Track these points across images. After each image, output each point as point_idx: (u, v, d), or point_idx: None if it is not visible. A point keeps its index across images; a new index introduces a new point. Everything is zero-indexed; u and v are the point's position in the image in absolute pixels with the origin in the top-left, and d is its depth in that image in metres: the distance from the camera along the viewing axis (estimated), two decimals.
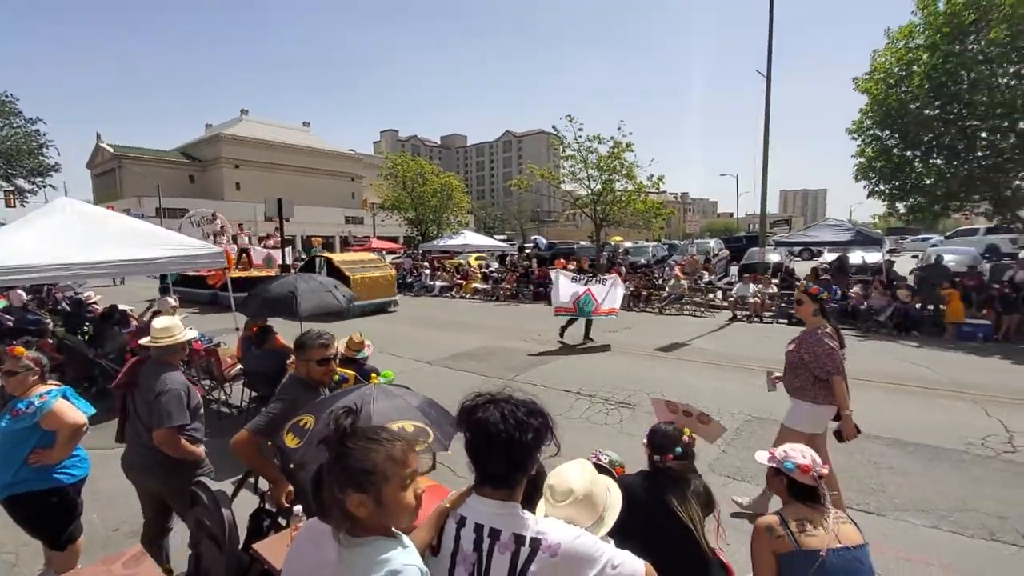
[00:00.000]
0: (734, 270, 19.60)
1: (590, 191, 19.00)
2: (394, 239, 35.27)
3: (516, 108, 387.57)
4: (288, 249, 17.52)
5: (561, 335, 10.26)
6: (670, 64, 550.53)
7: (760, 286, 13.34)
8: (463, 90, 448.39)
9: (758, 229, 18.82)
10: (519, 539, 1.29)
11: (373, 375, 4.03)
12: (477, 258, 23.33)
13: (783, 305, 13.08)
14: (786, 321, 12.42)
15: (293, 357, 3.50)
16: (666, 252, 26.06)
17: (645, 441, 2.33)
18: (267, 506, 2.78)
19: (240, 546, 2.50)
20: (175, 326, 3.04)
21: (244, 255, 17.62)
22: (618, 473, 2.41)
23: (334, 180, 62.06)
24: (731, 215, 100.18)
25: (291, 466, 2.14)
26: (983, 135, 12.22)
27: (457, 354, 9.43)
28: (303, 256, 22.37)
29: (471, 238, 21.35)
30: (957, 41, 11.69)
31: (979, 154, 12.32)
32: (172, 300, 8.71)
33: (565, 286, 10.06)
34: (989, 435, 5.21)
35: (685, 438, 2.32)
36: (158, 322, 3.05)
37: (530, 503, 1.58)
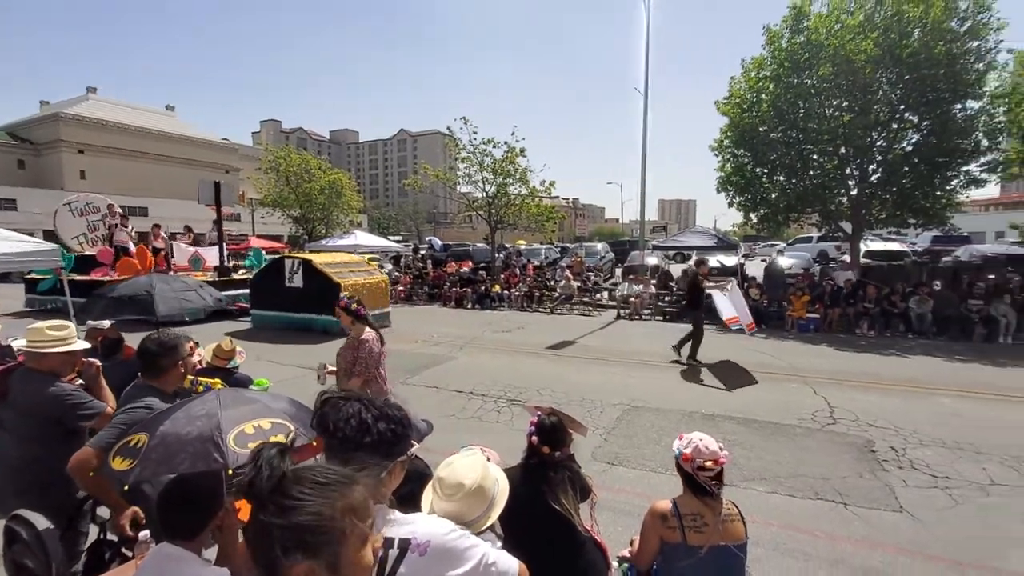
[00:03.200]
0: (619, 271, 21.05)
1: (485, 194, 19.25)
2: (277, 238, 32.71)
3: (411, 107, 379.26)
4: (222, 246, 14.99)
5: (694, 357, 8.58)
6: (563, 75, 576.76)
7: (641, 286, 14.46)
8: (355, 85, 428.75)
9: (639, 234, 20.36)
10: (387, 541, 1.23)
11: (217, 380, 3.60)
12: (370, 259, 22.48)
13: (659, 304, 14.32)
14: (662, 318, 13.60)
15: None
16: (558, 255, 27.17)
17: (536, 439, 2.35)
18: (108, 536, 2.44)
19: None
20: (46, 331, 2.64)
21: (158, 255, 14.49)
22: None
23: (204, 171, 55.80)
24: (617, 220, 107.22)
25: (125, 489, 1.89)
26: (814, 157, 14.39)
27: None
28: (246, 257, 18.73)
29: (363, 238, 20.47)
30: (795, 75, 13.64)
31: (811, 173, 14.48)
32: None
33: (718, 298, 9.01)
34: (816, 411, 6.15)
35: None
36: (35, 324, 2.70)
37: (412, 504, 1.55)
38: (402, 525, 1.27)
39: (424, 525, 1.29)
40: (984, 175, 13.42)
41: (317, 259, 11.96)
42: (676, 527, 2.05)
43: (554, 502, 2.14)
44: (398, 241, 38.38)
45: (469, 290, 16.55)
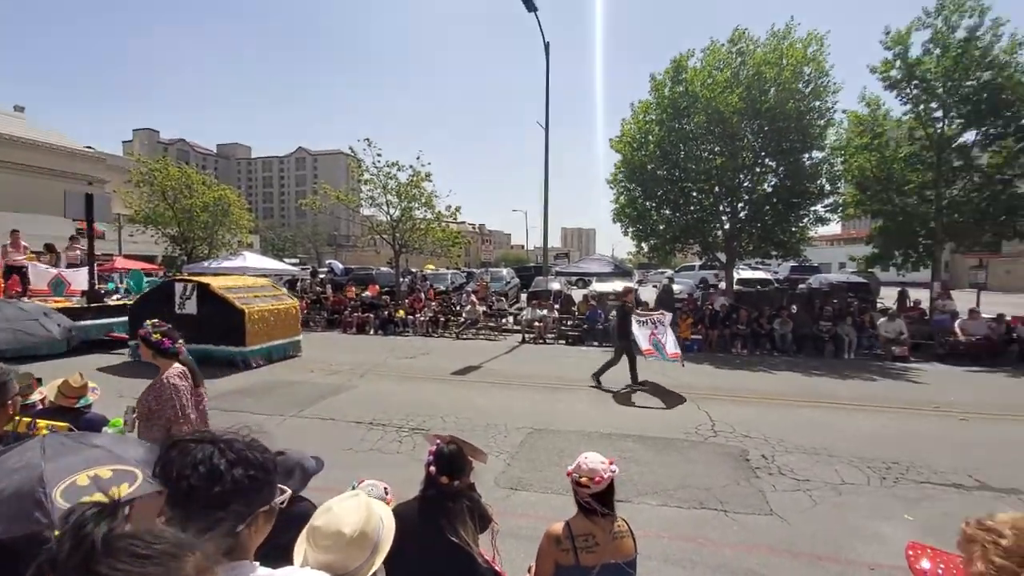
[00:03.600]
0: (524, 296, 21.53)
1: (389, 217, 18.86)
2: (149, 259, 29.27)
3: (311, 127, 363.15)
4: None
5: (598, 377, 8.87)
6: (472, 105, 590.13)
7: (545, 311, 14.88)
8: (249, 100, 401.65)
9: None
10: None
11: (42, 424, 2.97)
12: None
13: (563, 328, 14.81)
14: (565, 342, 14.06)
15: None
16: (464, 280, 27.20)
17: (434, 468, 2.28)
18: None
19: None
20: None
21: (11, 278, 11.90)
22: (388, 504, 2.36)
23: (62, 183, 48.88)
24: (523, 247, 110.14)
25: None
26: (694, 195, 15.98)
27: (229, 392, 8.18)
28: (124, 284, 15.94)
29: (253, 260, 18.92)
30: (676, 120, 15.16)
31: (692, 208, 16.05)
32: None
33: (636, 327, 8.89)
34: (700, 425, 6.66)
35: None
36: None
37: (286, 559, 1.40)
38: None
39: None
40: (828, 214, 15.76)
41: (216, 283, 10.78)
42: (569, 549, 2.08)
43: (452, 535, 2.08)
44: (295, 264, 36.12)
45: (372, 315, 15.95)
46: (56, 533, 0.73)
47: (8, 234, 13.26)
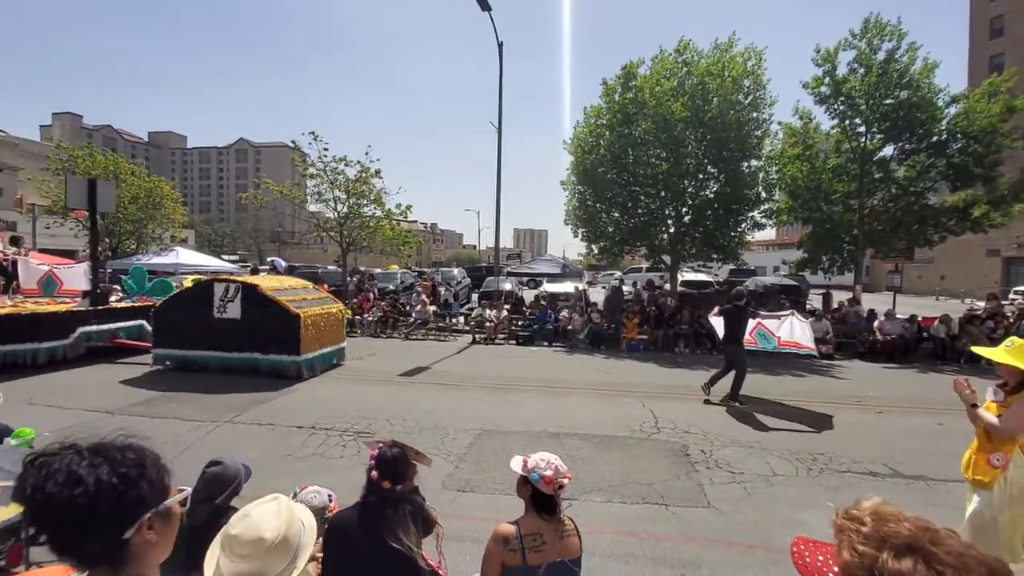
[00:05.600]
0: (475, 296, 21.47)
1: (336, 214, 18.30)
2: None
3: (256, 120, 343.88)
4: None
5: (707, 391, 8.20)
6: (424, 102, 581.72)
7: (496, 311, 14.88)
8: (189, 88, 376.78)
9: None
10: None
11: None
12: (193, 279, 19.68)
13: (513, 328, 14.87)
14: (515, 342, 14.12)
15: None
16: (414, 279, 26.81)
17: (376, 473, 2.21)
18: None
19: None
20: None
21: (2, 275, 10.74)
22: (331, 511, 2.29)
23: None
24: (475, 247, 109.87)
25: None
26: (642, 198, 16.48)
27: (154, 397, 7.67)
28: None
29: (186, 256, 17.85)
30: (626, 126, 15.57)
31: (640, 212, 16.55)
32: None
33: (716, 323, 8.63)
34: (644, 422, 6.86)
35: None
36: None
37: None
38: None
39: None
40: (764, 220, 16.66)
41: (265, 284, 9.86)
42: (517, 549, 2.07)
43: (394, 541, 2.04)
44: (234, 261, 34.37)
45: None
46: None
47: None
